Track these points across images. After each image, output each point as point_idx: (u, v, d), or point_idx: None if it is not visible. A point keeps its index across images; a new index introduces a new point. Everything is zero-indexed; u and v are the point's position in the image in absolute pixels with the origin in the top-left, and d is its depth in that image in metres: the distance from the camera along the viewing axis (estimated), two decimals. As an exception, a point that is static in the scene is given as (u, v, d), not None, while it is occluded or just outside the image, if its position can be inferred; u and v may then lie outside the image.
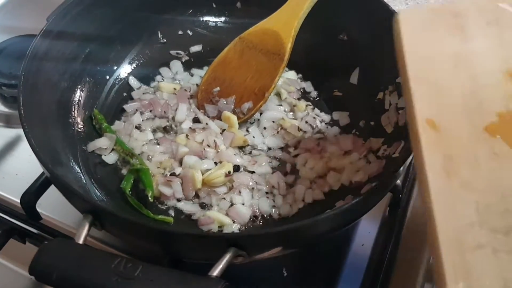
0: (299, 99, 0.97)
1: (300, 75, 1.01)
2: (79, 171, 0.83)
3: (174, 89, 0.98)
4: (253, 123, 0.93)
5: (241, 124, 0.91)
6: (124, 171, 0.85)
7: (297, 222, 0.64)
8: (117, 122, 0.92)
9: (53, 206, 0.83)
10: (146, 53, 1.03)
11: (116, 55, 1.00)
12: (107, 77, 0.98)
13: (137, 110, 0.94)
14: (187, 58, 1.04)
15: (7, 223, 0.87)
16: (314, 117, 0.94)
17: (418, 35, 0.61)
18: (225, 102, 0.92)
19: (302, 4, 0.89)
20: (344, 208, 0.66)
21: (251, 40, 0.92)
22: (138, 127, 0.91)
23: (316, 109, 0.96)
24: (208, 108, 0.93)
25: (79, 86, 0.92)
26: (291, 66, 1.00)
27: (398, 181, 0.85)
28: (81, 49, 0.92)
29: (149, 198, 0.80)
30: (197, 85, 0.98)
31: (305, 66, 1.01)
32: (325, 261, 0.82)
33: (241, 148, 0.89)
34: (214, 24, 1.08)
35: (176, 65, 1.03)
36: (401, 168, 0.70)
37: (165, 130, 0.91)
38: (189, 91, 0.97)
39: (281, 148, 0.90)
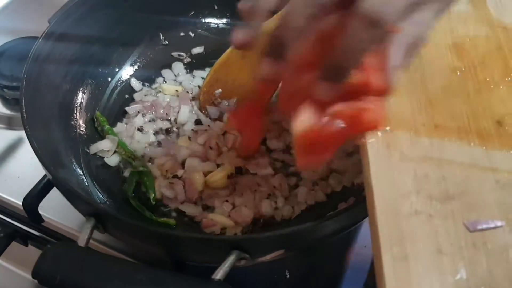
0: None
1: (303, 76, 1.01)
2: (81, 173, 0.83)
3: (176, 90, 0.98)
4: (255, 124, 0.93)
5: (243, 126, 0.91)
6: (126, 173, 0.85)
7: (299, 224, 0.64)
8: (119, 124, 0.92)
9: (55, 209, 0.83)
10: (148, 55, 1.03)
11: (118, 57, 1.00)
12: (109, 79, 0.98)
13: (139, 112, 0.94)
14: (189, 59, 1.04)
15: (9, 226, 0.87)
16: (316, 119, 0.94)
17: None
18: (227, 104, 0.92)
19: None
20: (346, 210, 0.66)
21: None
22: (140, 129, 0.91)
23: (318, 110, 0.95)
24: (210, 110, 0.93)
25: (81, 88, 0.92)
26: (293, 67, 1.00)
27: (401, 183, 0.84)
28: (83, 51, 0.92)
29: (151, 200, 0.80)
30: (199, 86, 0.98)
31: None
32: (328, 263, 0.82)
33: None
34: (216, 25, 1.08)
35: (178, 66, 1.03)
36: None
37: (167, 132, 0.91)
38: (191, 93, 0.97)
39: (283, 150, 0.89)
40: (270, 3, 0.57)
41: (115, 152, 0.87)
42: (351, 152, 0.87)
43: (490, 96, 0.58)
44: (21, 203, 0.78)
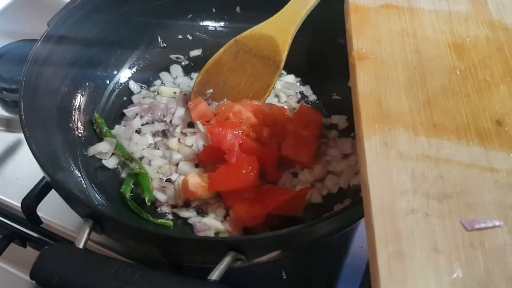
0: (298, 102, 0.98)
1: (299, 79, 1.02)
2: (80, 175, 0.84)
3: (174, 93, 0.98)
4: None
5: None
6: (124, 175, 0.85)
7: (295, 225, 0.65)
8: (117, 126, 0.93)
9: (53, 211, 0.84)
10: (146, 57, 1.04)
11: (116, 59, 1.00)
12: (108, 81, 0.99)
13: (137, 114, 0.94)
14: (187, 62, 1.05)
15: (8, 228, 0.88)
16: (313, 121, 0.94)
17: (365, 14, 0.65)
18: (217, 105, 0.92)
19: (300, 11, 0.89)
20: (342, 211, 0.67)
21: (247, 44, 0.92)
22: (138, 131, 0.92)
23: (315, 113, 0.96)
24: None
25: (79, 91, 0.93)
26: (290, 69, 1.01)
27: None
28: (82, 54, 0.93)
29: (146, 202, 0.80)
30: (196, 88, 0.99)
31: (304, 70, 1.02)
32: (324, 264, 0.82)
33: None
34: (214, 28, 1.08)
35: (176, 69, 1.04)
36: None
37: (164, 134, 0.92)
38: (189, 95, 0.98)
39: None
40: None
41: (113, 154, 0.88)
42: (347, 154, 0.87)
43: (490, 96, 0.57)
44: (19, 205, 0.79)
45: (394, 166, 0.51)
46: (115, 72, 1.00)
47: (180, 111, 0.93)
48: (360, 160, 0.54)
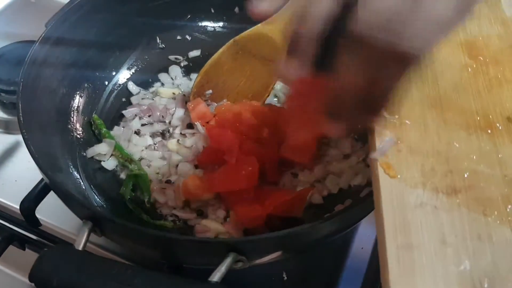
0: (297, 103, 0.98)
1: (298, 79, 1.01)
2: (78, 177, 0.83)
3: (173, 93, 0.98)
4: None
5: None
6: (123, 177, 0.85)
7: (296, 226, 0.64)
8: (116, 127, 0.93)
9: (52, 212, 0.83)
10: (145, 58, 1.03)
11: (115, 60, 1.00)
12: (106, 82, 0.98)
13: (136, 115, 0.94)
14: (186, 63, 1.05)
15: (7, 230, 0.87)
16: (313, 121, 0.94)
17: None
18: (216, 106, 0.92)
19: None
20: (343, 212, 0.66)
21: (246, 44, 0.92)
22: (137, 133, 0.91)
23: (314, 113, 0.96)
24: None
25: (78, 92, 0.93)
26: (289, 70, 1.00)
27: (397, 185, 0.85)
28: (80, 55, 0.92)
29: (146, 203, 0.80)
30: (195, 89, 0.99)
31: (304, 71, 1.01)
32: (325, 265, 0.82)
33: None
34: (213, 29, 1.08)
35: (175, 70, 1.03)
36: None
37: (163, 135, 0.92)
38: (188, 96, 0.97)
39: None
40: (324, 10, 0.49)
41: (112, 155, 0.87)
42: (347, 155, 0.87)
43: (501, 93, 0.58)
44: (18, 207, 0.78)
45: (405, 161, 0.52)
46: (114, 73, 1.00)
47: (179, 112, 0.93)
48: (371, 157, 0.54)
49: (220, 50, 0.94)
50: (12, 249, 0.85)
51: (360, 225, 0.86)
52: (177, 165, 0.85)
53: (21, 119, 0.73)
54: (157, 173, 0.85)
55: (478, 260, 0.46)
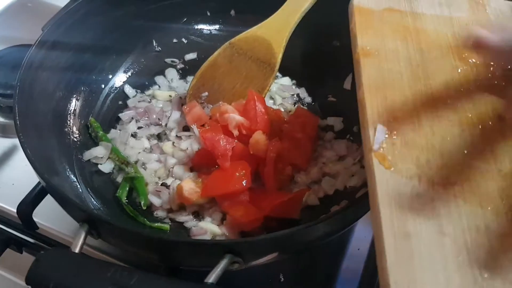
0: (293, 104, 0.98)
1: (294, 81, 1.02)
2: (75, 180, 0.83)
3: (170, 96, 0.98)
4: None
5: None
6: (119, 180, 0.85)
7: (292, 227, 0.65)
8: (112, 130, 0.93)
9: (49, 215, 0.84)
10: (141, 61, 1.04)
11: (111, 64, 1.00)
12: (103, 86, 0.99)
13: (132, 118, 0.94)
14: (182, 66, 1.05)
15: (4, 233, 0.87)
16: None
17: (369, 15, 0.68)
18: (212, 108, 0.92)
19: (295, 13, 0.89)
20: (338, 213, 0.67)
21: (241, 46, 0.92)
22: (133, 135, 0.92)
23: (310, 115, 0.96)
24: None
25: (74, 95, 0.93)
26: (285, 72, 1.01)
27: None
28: (77, 58, 0.93)
29: (142, 206, 0.80)
30: (191, 92, 0.99)
31: (300, 72, 1.02)
32: (322, 266, 0.82)
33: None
34: (209, 32, 1.08)
35: (172, 73, 1.04)
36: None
37: (159, 137, 0.92)
38: (184, 99, 0.98)
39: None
40: None
41: (108, 158, 0.88)
42: (343, 156, 0.88)
43: (492, 93, 0.59)
44: (15, 210, 0.78)
45: (399, 153, 0.53)
46: (110, 76, 1.00)
47: (176, 115, 0.93)
48: (365, 146, 0.56)
49: (216, 53, 0.94)
50: (9, 252, 0.85)
51: (356, 226, 0.86)
52: (172, 168, 0.86)
53: (18, 122, 0.73)
54: (153, 176, 0.86)
55: (477, 251, 0.46)
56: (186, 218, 0.80)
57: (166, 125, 0.93)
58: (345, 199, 0.80)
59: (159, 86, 1.02)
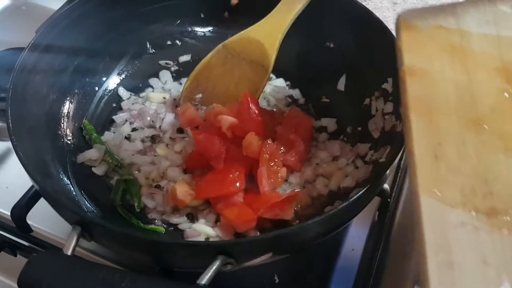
0: (287, 106, 0.98)
1: (288, 83, 1.02)
2: (69, 182, 0.83)
3: (164, 98, 0.98)
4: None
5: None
6: (113, 182, 0.85)
7: (285, 228, 0.65)
8: (106, 132, 0.93)
9: (43, 218, 0.83)
10: (135, 63, 1.04)
11: (105, 66, 1.00)
12: (96, 88, 0.99)
13: (126, 120, 0.94)
14: (176, 68, 1.05)
15: (-2, 236, 0.87)
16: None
17: (416, 32, 0.66)
18: (205, 109, 0.92)
19: (288, 15, 0.89)
20: (332, 213, 0.67)
21: (235, 48, 0.93)
22: (127, 138, 0.92)
23: (304, 116, 0.96)
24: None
25: (68, 98, 0.93)
26: (279, 73, 1.01)
27: (386, 186, 0.85)
28: (70, 61, 0.93)
29: (135, 208, 0.80)
30: (185, 94, 0.99)
31: (293, 74, 1.02)
32: (316, 266, 0.82)
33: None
34: (203, 34, 1.08)
35: (165, 75, 1.04)
36: (387, 172, 0.71)
37: (153, 139, 0.92)
38: (178, 101, 0.98)
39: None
40: None
41: (102, 161, 0.87)
42: (336, 157, 0.88)
43: None
44: (9, 214, 0.78)
45: (444, 180, 0.53)
46: (104, 79, 1.00)
47: (170, 117, 0.93)
48: (410, 171, 0.55)
49: (210, 55, 0.94)
50: (3, 255, 0.85)
51: (351, 226, 0.86)
52: (166, 170, 0.86)
53: (11, 125, 0.73)
54: (147, 178, 0.85)
55: None
56: (180, 220, 0.80)
57: (160, 127, 0.93)
58: (338, 200, 0.80)
59: (153, 88, 1.01)
